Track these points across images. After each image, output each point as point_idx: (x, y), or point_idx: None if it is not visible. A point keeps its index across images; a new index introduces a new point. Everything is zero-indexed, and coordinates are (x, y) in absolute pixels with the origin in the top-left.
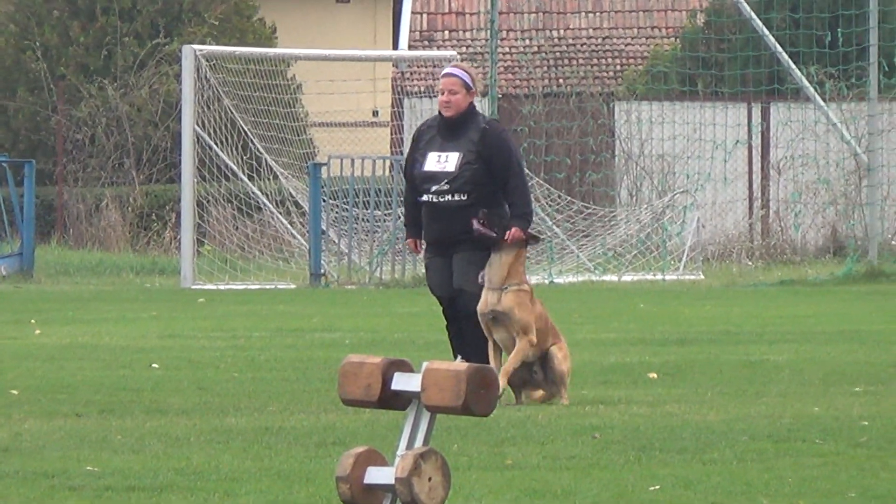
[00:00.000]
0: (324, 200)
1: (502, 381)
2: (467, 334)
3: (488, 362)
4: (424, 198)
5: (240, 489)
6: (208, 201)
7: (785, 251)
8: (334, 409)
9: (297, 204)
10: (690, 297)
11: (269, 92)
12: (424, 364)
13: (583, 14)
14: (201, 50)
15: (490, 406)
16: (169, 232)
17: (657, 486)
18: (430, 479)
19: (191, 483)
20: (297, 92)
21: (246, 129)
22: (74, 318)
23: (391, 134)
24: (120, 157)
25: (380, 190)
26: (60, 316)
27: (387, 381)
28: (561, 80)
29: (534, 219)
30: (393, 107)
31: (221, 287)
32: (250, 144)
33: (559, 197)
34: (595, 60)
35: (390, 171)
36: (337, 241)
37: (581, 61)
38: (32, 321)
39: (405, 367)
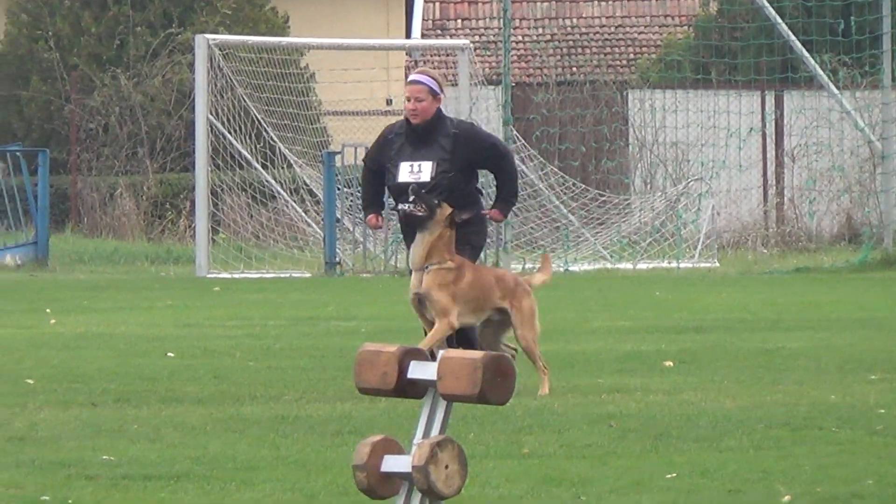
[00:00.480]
0: (338, 189)
1: None
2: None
3: None
4: (401, 207)
5: (256, 478)
6: (222, 190)
7: (800, 239)
8: (350, 398)
9: (311, 192)
10: (706, 285)
11: (283, 81)
12: (441, 352)
13: (596, 2)
14: (214, 39)
15: (507, 395)
16: (183, 220)
17: (674, 474)
18: (446, 467)
19: (207, 472)
20: (311, 81)
21: (259, 117)
22: (89, 306)
23: None
24: (133, 147)
25: None
26: (75, 305)
27: (403, 369)
28: (574, 69)
29: (516, 203)
30: None
31: (236, 275)
32: (264, 133)
33: (574, 185)
34: (608, 49)
35: None
36: (352, 229)
37: (594, 50)
38: (47, 310)
39: (421, 355)
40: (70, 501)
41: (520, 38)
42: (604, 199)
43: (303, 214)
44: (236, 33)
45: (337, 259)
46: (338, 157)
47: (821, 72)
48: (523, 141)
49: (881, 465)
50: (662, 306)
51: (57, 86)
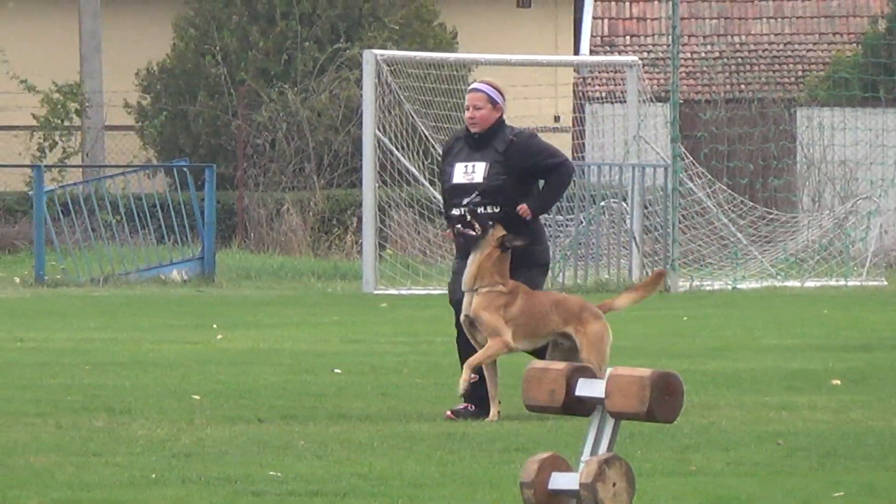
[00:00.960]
0: None
1: (465, 373)
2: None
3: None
4: (454, 212)
5: (423, 495)
6: (390, 206)
7: None
8: (518, 415)
9: None
10: (874, 304)
11: (450, 97)
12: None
13: (764, 20)
14: (382, 55)
15: (674, 412)
16: (350, 236)
17: (841, 493)
18: (614, 484)
19: (374, 488)
20: None
21: (427, 133)
22: (256, 322)
23: (573, 139)
24: (301, 162)
25: None
26: (242, 320)
27: (571, 386)
28: (742, 86)
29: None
30: (574, 112)
31: (403, 292)
32: (431, 149)
33: (741, 202)
34: (776, 66)
35: None
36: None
37: (762, 67)
38: (214, 326)
39: (589, 373)
40: None
41: (688, 54)
42: (771, 216)
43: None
44: (404, 49)
45: None
46: None
47: None
48: (691, 158)
49: None
50: (830, 324)
51: (224, 101)
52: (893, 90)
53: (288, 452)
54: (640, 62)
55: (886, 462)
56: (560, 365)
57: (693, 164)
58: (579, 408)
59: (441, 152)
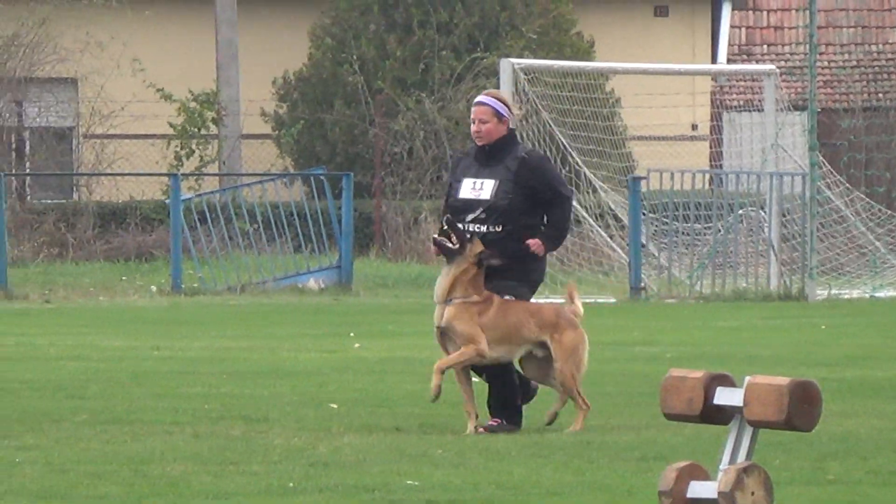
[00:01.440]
0: (643, 214)
1: (435, 378)
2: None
3: (515, 390)
4: (433, 236)
5: (561, 503)
6: None
7: None
8: (655, 424)
9: (616, 217)
10: None
11: (588, 105)
12: (747, 379)
13: None
14: (519, 63)
15: (813, 421)
16: None
17: None
18: (752, 493)
19: (512, 497)
20: (616, 106)
21: (564, 142)
22: (393, 331)
23: (710, 147)
24: (438, 171)
25: (699, 203)
26: (379, 329)
27: (709, 395)
28: (880, 95)
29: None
30: (712, 120)
31: (541, 300)
32: (569, 158)
33: (880, 211)
34: None
35: (710, 185)
36: (657, 254)
37: None
38: (351, 334)
39: (727, 381)
40: None
41: (826, 63)
42: None
43: (608, 239)
44: (541, 57)
45: (642, 284)
46: (643, 183)
47: None
48: (829, 167)
49: None
50: None
51: (361, 109)
52: None
53: (425, 461)
54: (777, 71)
55: None
56: (698, 373)
57: (831, 172)
58: (717, 416)
59: (450, 168)
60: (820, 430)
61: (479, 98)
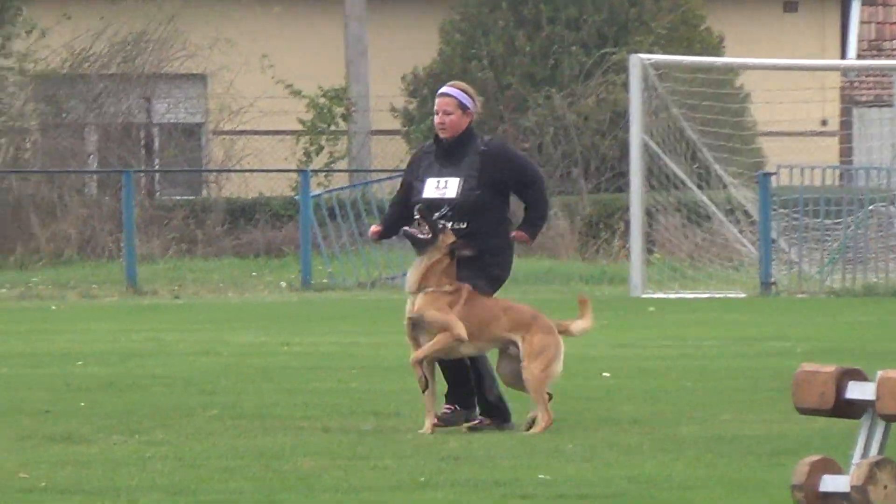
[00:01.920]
0: (773, 209)
1: (416, 371)
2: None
3: (487, 382)
4: (403, 228)
5: (693, 497)
6: (657, 210)
7: None
8: (786, 418)
9: (746, 213)
10: None
11: (717, 101)
12: (879, 373)
13: None
14: (649, 59)
15: None
16: (618, 241)
17: None
18: (885, 487)
19: (643, 491)
20: (746, 101)
21: (694, 137)
22: None
23: (840, 143)
24: (567, 166)
25: (829, 199)
26: None
27: (841, 389)
28: None
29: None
30: (841, 116)
31: (671, 296)
32: (699, 153)
33: None
34: None
35: (839, 181)
36: (787, 249)
37: None
38: None
39: (859, 375)
40: None
41: None
42: None
43: (738, 235)
44: (670, 53)
45: (772, 279)
46: (773, 178)
47: None
48: None
49: None
50: None
51: (491, 105)
52: None
53: (557, 456)
54: None
55: None
56: (830, 368)
57: None
58: (849, 410)
59: (408, 164)
60: None
61: (444, 89)
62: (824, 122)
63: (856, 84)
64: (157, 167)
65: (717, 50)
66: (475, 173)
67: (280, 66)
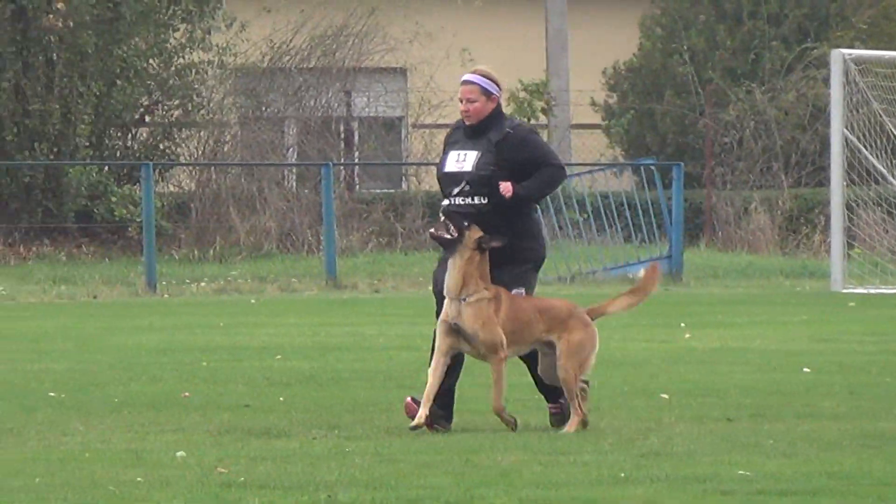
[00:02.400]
0: None
1: (503, 418)
2: None
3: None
4: (445, 202)
5: (891, 494)
6: (857, 204)
7: None
8: None
9: None
10: None
11: None
12: None
13: None
14: (850, 54)
15: None
16: (818, 235)
17: None
18: None
19: (843, 487)
20: None
21: (895, 132)
22: (724, 321)
23: None
24: (768, 161)
25: None
26: (710, 319)
27: None
28: None
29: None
30: None
31: (871, 291)
32: None
33: None
34: None
35: None
36: None
37: None
38: (682, 325)
39: None
40: None
41: None
42: None
43: None
44: (871, 48)
45: None
46: None
47: None
48: None
49: None
50: None
51: (691, 100)
52: None
53: (756, 451)
54: None
55: None
56: None
57: None
58: None
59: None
60: None
61: (467, 76)
62: None
63: None
64: (356, 160)
65: None
66: (493, 149)
67: (480, 59)
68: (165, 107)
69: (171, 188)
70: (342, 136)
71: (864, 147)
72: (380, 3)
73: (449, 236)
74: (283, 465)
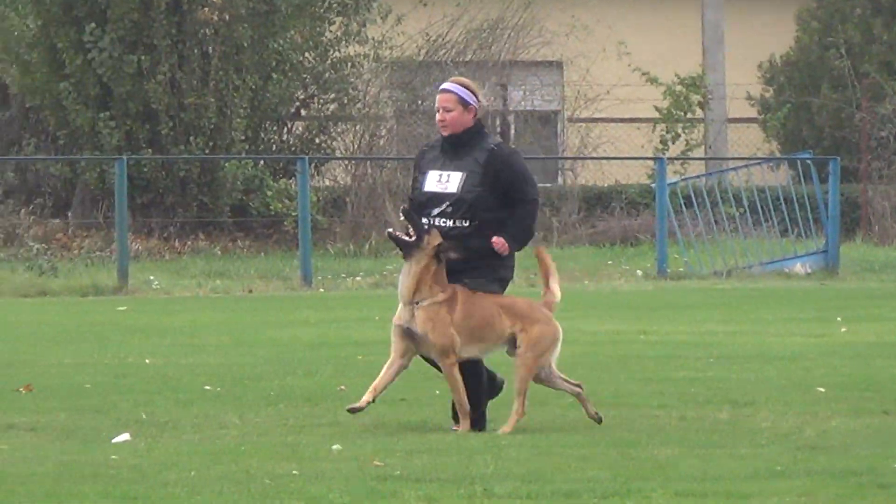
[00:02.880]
0: None
1: (466, 421)
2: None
3: (481, 389)
4: (424, 221)
5: None
6: None
7: None
8: None
9: None
10: None
11: None
12: None
13: None
14: None
15: None
16: None
17: None
18: None
19: None
20: None
21: None
22: (880, 315)
23: None
24: None
25: None
26: (866, 313)
27: None
28: None
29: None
30: None
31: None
32: None
33: None
34: None
35: None
36: None
37: None
38: (838, 318)
39: None
40: None
41: None
42: None
43: None
44: None
45: None
46: None
47: None
48: None
49: None
50: None
51: (847, 94)
52: None
53: None
54: None
55: None
56: None
57: None
58: None
59: (415, 162)
60: None
61: (444, 85)
62: None
63: None
64: None
65: None
66: (479, 170)
67: (636, 53)
68: (321, 100)
69: (327, 182)
70: (498, 129)
71: None
72: None
73: (407, 238)
74: (438, 458)
